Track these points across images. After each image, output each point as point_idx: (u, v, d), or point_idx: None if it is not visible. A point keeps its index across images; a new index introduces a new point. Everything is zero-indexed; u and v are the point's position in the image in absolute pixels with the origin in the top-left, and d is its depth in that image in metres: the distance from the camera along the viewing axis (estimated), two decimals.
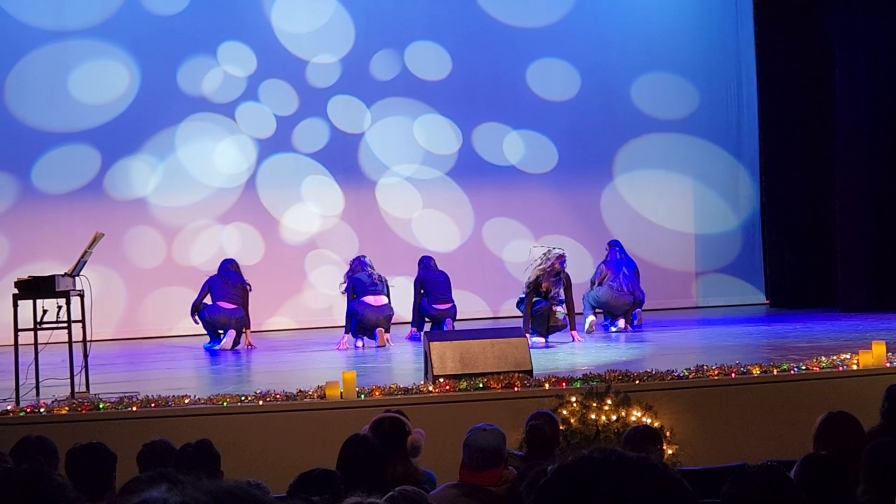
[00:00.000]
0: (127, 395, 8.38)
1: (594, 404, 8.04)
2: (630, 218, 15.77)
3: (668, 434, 7.93)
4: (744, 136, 16.37)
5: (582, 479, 1.60)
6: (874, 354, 8.73)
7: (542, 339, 11.59)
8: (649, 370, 8.63)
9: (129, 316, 14.71)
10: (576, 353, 10.94)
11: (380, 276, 12.47)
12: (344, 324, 12.48)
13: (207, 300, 12.60)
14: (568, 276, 11.86)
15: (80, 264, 9.43)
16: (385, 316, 12.25)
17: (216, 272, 12.72)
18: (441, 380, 8.46)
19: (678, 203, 15.90)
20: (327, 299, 15.20)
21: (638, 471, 1.60)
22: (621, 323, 12.80)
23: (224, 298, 12.49)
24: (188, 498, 1.37)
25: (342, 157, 15.32)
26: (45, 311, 8.96)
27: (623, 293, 12.85)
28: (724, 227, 16.33)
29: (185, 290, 14.70)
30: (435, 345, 8.79)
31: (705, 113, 16.26)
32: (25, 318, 8.91)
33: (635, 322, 12.99)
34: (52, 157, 14.60)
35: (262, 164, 15.14)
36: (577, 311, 12.20)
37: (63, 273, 9.20)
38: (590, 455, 1.63)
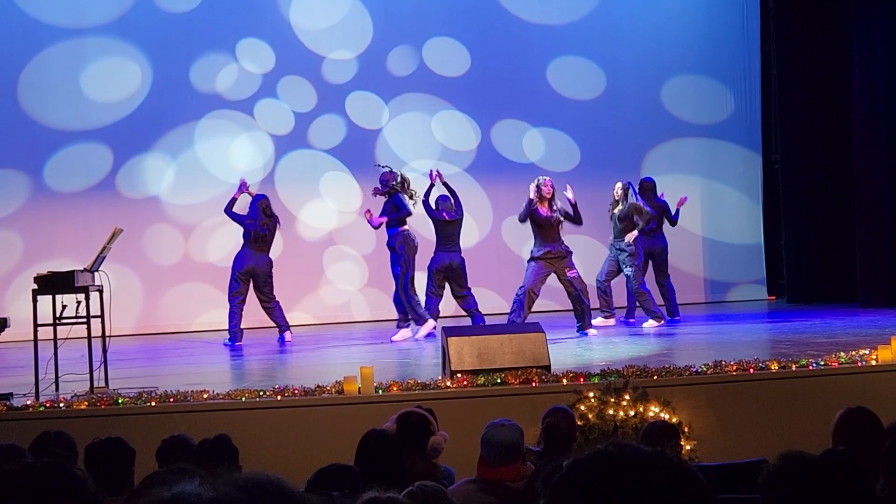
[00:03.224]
0: (146, 390, 8.41)
1: (612, 400, 8.03)
2: None
3: (686, 429, 7.93)
4: (757, 131, 16.37)
5: (597, 474, 1.60)
6: (893, 350, 8.71)
7: None
8: (667, 366, 8.62)
9: (148, 311, 14.74)
10: (594, 348, 10.93)
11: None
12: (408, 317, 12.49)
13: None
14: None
15: (99, 259, 9.46)
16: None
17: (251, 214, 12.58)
18: (459, 375, 8.46)
19: (691, 201, 15.88)
20: (345, 295, 15.22)
21: (653, 465, 1.60)
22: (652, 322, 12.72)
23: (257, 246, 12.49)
24: (220, 493, 1.37)
25: (360, 153, 15.33)
26: (64, 307, 8.99)
27: None
28: (738, 226, 16.33)
29: (203, 287, 14.75)
30: (453, 340, 8.79)
31: (729, 114, 16.27)
32: (45, 314, 8.95)
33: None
34: (65, 155, 14.62)
35: (280, 160, 15.16)
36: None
37: (82, 268, 9.24)
38: (605, 449, 1.63)
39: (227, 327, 12.62)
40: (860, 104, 14.31)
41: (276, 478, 1.42)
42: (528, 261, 12.19)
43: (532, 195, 11.99)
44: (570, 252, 12.14)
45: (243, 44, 15.08)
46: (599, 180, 14.72)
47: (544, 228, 12.03)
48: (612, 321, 12.67)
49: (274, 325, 12.69)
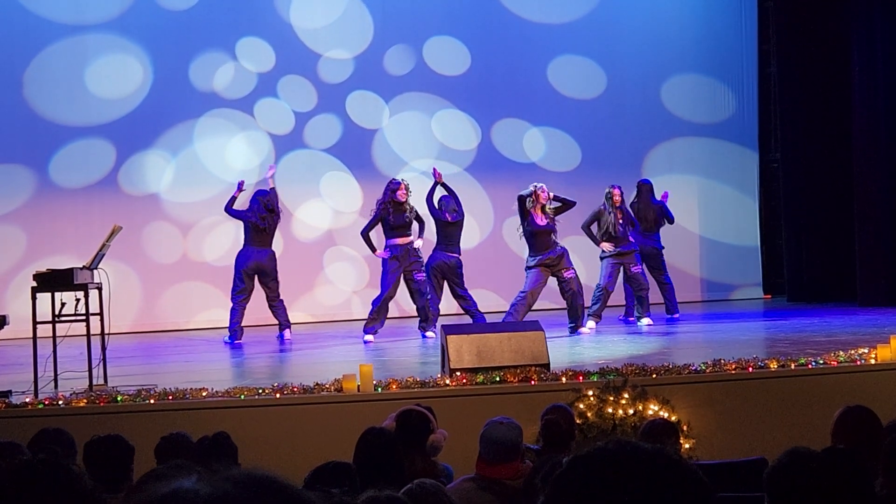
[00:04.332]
0: (145, 387, 8.41)
1: (611, 398, 8.03)
2: None
3: (684, 428, 7.93)
4: (754, 130, 16.38)
5: (597, 471, 1.59)
6: (892, 349, 8.70)
7: None
8: (666, 364, 8.61)
9: (147, 309, 14.72)
10: (593, 346, 10.93)
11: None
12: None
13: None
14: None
15: (99, 257, 9.46)
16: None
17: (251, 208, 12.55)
18: (458, 373, 8.45)
19: (689, 200, 15.89)
20: (345, 294, 15.21)
21: (653, 462, 1.60)
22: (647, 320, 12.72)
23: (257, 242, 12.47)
24: (218, 488, 1.37)
25: (360, 153, 15.32)
26: (63, 304, 8.99)
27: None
28: (735, 225, 16.34)
29: (201, 285, 14.73)
30: (452, 338, 8.79)
31: (728, 113, 16.28)
32: (44, 311, 8.94)
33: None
34: (70, 151, 14.60)
35: (280, 160, 15.12)
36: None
37: (81, 266, 9.23)
38: (605, 446, 1.63)
39: (226, 325, 12.62)
40: (860, 103, 14.31)
41: (273, 474, 1.41)
42: (527, 269, 12.18)
43: (535, 209, 12.02)
44: (566, 251, 12.17)
45: (243, 42, 15.05)
46: (600, 180, 14.67)
47: (539, 237, 12.04)
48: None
49: (275, 321, 12.68)
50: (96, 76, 14.68)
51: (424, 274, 12.36)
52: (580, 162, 15.82)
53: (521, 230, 12.22)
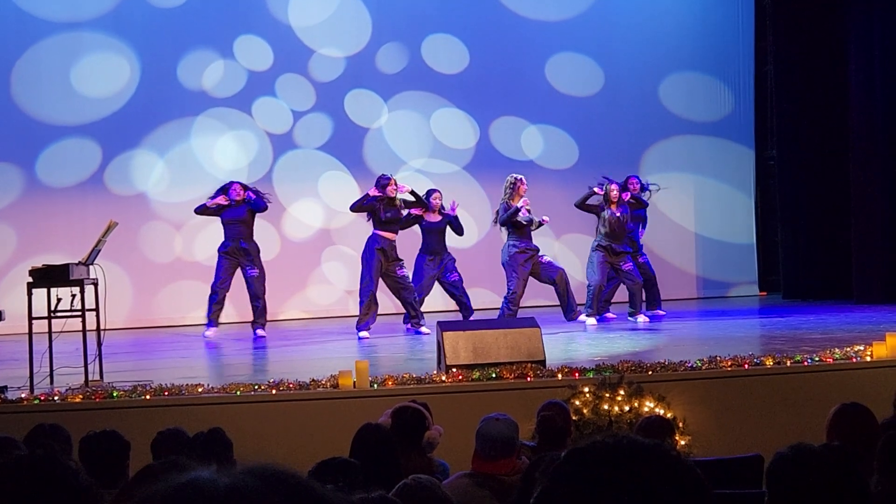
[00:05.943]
0: (140, 383, 8.41)
1: (607, 395, 8.03)
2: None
3: (680, 425, 7.93)
4: (751, 127, 16.38)
5: (594, 463, 1.59)
6: (888, 346, 8.71)
7: None
8: (662, 361, 8.62)
9: (141, 305, 14.68)
10: (589, 343, 10.94)
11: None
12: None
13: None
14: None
15: (94, 253, 9.45)
16: None
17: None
18: (454, 370, 8.46)
19: (685, 197, 15.88)
20: (339, 292, 15.19)
21: (650, 456, 1.59)
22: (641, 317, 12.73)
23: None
24: (237, 480, 1.37)
25: (357, 152, 15.29)
26: (59, 300, 8.98)
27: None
28: (731, 223, 16.34)
29: (197, 284, 14.70)
30: (448, 335, 8.79)
31: (725, 111, 16.28)
32: (39, 307, 8.93)
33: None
34: (57, 150, 14.55)
35: (278, 158, 15.10)
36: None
37: (77, 262, 9.22)
38: (602, 440, 1.63)
39: (223, 322, 12.60)
40: (857, 101, 14.31)
41: (291, 469, 1.41)
42: (513, 255, 12.16)
43: (514, 199, 12.06)
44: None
45: (240, 40, 15.01)
46: (597, 177, 14.66)
47: (521, 227, 12.16)
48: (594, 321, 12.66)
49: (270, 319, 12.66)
50: (84, 74, 14.61)
51: (405, 270, 12.38)
52: (577, 159, 15.81)
53: (499, 215, 12.24)
